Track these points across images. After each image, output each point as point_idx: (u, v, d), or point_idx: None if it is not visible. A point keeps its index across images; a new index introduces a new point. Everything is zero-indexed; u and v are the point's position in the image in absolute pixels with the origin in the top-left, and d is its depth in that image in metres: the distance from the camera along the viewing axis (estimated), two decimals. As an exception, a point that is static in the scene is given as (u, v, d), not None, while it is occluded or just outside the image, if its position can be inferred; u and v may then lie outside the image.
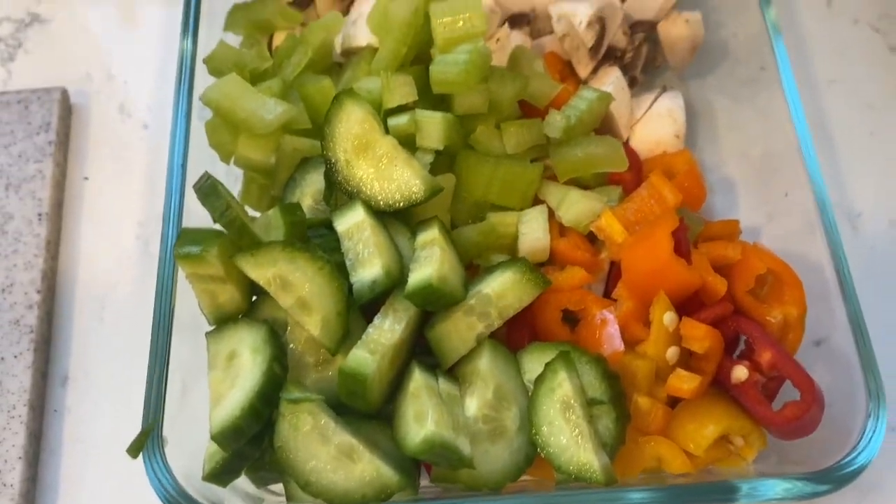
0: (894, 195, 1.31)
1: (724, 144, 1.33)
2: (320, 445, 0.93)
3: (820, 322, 1.06)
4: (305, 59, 1.20)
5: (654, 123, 1.27)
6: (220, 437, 0.94)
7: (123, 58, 1.49)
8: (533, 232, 1.10)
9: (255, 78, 1.20)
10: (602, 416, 0.98)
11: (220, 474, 0.97)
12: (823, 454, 0.98)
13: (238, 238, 1.01)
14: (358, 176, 1.05)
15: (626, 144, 1.26)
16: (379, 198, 1.04)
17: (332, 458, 0.93)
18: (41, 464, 1.18)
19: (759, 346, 1.02)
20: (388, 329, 0.97)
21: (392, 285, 0.99)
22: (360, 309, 1.01)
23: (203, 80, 1.21)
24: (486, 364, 1.00)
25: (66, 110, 1.41)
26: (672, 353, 1.02)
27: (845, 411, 1.00)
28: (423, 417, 0.93)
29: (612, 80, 1.25)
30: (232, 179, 1.21)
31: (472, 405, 0.98)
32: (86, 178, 1.39)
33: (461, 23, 1.10)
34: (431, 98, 1.12)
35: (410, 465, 0.97)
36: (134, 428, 0.99)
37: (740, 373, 1.01)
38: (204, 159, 1.16)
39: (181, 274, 1.04)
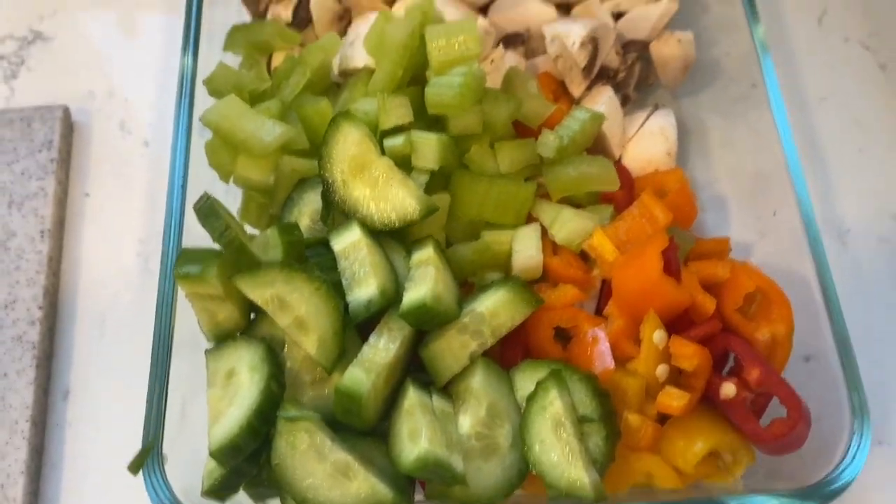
0: (883, 212, 1.32)
1: (716, 162, 1.34)
2: (316, 463, 0.94)
3: (810, 338, 1.07)
4: (304, 79, 1.21)
5: (647, 141, 1.28)
6: (218, 454, 0.95)
7: (125, 75, 1.50)
8: (526, 250, 1.12)
9: (255, 98, 1.21)
10: (592, 433, 0.99)
11: (219, 490, 0.98)
12: (811, 469, 1.00)
13: (236, 258, 1.02)
14: (354, 196, 1.06)
15: (618, 162, 1.28)
16: (375, 217, 1.06)
17: (329, 475, 0.94)
18: (43, 478, 1.20)
19: (748, 364, 1.03)
20: (382, 348, 0.99)
21: (387, 304, 1.00)
22: (355, 328, 1.02)
23: (203, 97, 1.22)
24: (479, 382, 1.01)
25: (68, 128, 1.43)
26: (662, 370, 1.03)
27: (833, 427, 1.02)
28: (417, 435, 0.95)
29: (604, 100, 1.26)
30: (232, 197, 1.22)
31: (466, 422, 0.99)
32: (87, 195, 1.40)
33: (456, 46, 1.11)
34: (427, 119, 1.14)
35: (405, 482, 0.98)
36: (134, 442, 1.00)
37: (729, 390, 1.02)
38: (204, 177, 1.18)
39: (181, 292, 1.05)
